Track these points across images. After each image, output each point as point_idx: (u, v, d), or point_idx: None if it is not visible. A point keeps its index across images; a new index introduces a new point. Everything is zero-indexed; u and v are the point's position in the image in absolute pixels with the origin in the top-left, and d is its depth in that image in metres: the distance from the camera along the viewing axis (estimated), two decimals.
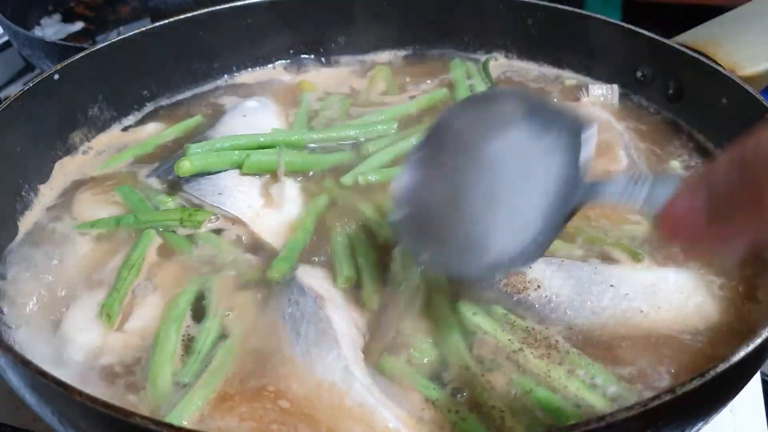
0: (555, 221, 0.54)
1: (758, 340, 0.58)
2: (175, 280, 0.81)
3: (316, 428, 0.63)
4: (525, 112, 0.55)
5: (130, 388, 0.69)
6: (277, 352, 0.69)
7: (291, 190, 0.92)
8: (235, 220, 0.87)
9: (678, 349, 0.71)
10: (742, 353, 0.57)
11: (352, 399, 0.64)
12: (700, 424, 0.61)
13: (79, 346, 0.73)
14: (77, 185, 0.97)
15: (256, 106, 1.09)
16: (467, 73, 1.19)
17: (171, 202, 0.91)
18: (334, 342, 0.69)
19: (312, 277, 0.78)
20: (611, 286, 0.75)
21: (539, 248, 0.57)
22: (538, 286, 0.74)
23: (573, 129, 0.54)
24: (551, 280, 0.75)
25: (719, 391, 0.60)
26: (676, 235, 0.48)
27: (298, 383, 0.66)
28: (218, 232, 0.87)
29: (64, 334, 0.74)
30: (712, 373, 0.54)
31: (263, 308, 0.76)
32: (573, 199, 0.52)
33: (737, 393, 0.65)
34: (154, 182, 0.96)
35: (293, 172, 0.95)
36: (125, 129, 1.10)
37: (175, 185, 0.94)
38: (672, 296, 0.75)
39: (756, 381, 0.85)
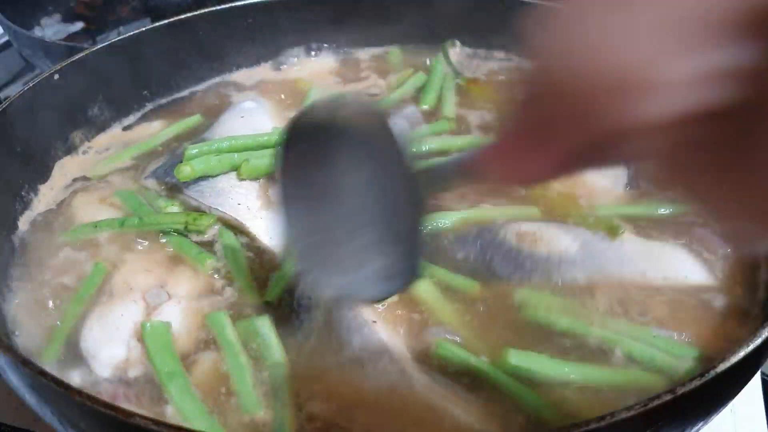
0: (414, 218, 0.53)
1: (758, 340, 0.58)
2: (189, 287, 0.80)
3: None
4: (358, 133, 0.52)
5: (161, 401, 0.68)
6: (327, 367, 0.69)
7: None
8: (234, 223, 0.87)
9: (683, 308, 0.74)
10: (742, 353, 0.57)
11: (416, 400, 0.64)
12: (700, 424, 0.61)
13: (103, 363, 0.71)
14: (76, 186, 0.97)
15: (253, 107, 1.08)
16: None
17: (171, 206, 0.90)
18: (383, 347, 0.68)
19: None
20: (615, 248, 0.79)
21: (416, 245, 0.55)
22: (547, 243, 0.78)
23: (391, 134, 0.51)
24: (559, 239, 0.79)
25: (719, 391, 0.60)
26: (494, 175, 0.41)
27: (355, 393, 0.65)
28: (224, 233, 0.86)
29: (85, 350, 0.73)
30: (712, 373, 0.54)
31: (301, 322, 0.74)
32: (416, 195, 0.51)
33: (737, 393, 0.65)
34: (152, 184, 0.95)
35: None
36: (125, 129, 1.10)
37: (173, 187, 0.93)
38: (668, 259, 0.79)
39: (756, 381, 0.85)
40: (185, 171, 0.89)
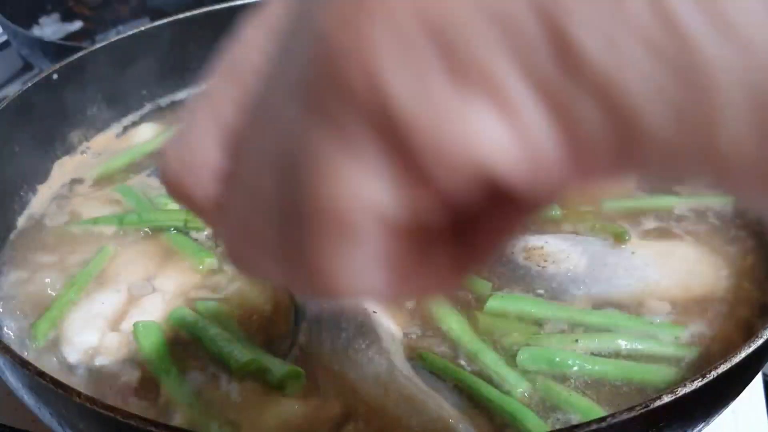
0: None
1: (760, 341, 0.58)
2: (177, 282, 0.80)
3: (366, 422, 0.64)
4: None
5: (127, 390, 0.69)
6: (322, 350, 0.70)
7: None
8: None
9: (691, 311, 0.74)
10: (743, 353, 0.56)
11: (395, 390, 0.65)
12: (701, 425, 0.61)
13: (74, 348, 0.72)
14: (76, 186, 0.97)
15: None
16: None
17: (172, 204, 0.90)
18: (375, 335, 0.70)
19: None
20: (624, 257, 0.79)
21: None
22: (555, 260, 0.78)
23: None
24: (568, 254, 0.78)
25: (721, 391, 0.60)
26: None
27: (344, 379, 0.67)
28: None
29: (62, 335, 0.74)
30: (714, 373, 0.54)
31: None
32: None
33: (739, 394, 0.65)
34: (154, 182, 0.95)
35: None
36: (125, 129, 1.09)
37: None
38: (681, 266, 0.79)
39: (758, 381, 0.85)
40: None
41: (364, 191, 0.23)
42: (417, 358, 0.70)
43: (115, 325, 0.75)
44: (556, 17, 0.19)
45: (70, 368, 0.71)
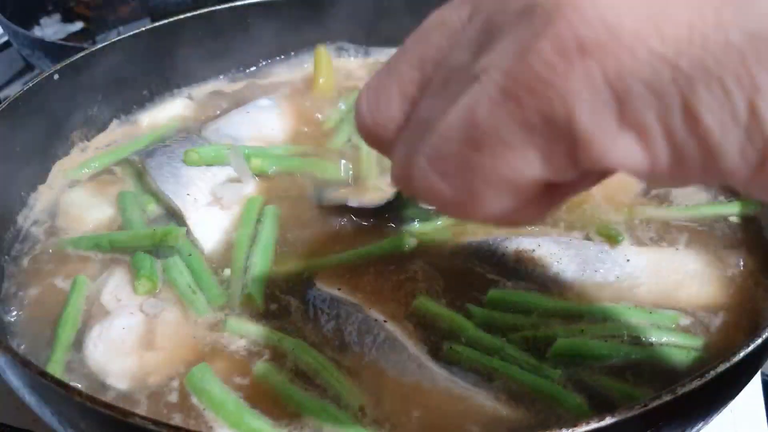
0: None
1: (758, 340, 0.58)
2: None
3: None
4: None
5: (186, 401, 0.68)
6: (349, 366, 0.69)
7: (245, 190, 0.92)
8: (177, 212, 0.87)
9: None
10: (742, 353, 0.57)
11: (440, 392, 0.65)
12: (700, 424, 0.61)
13: (118, 375, 0.71)
14: (72, 184, 0.97)
15: (266, 105, 1.08)
16: None
17: (150, 205, 0.91)
18: (399, 345, 0.69)
19: (332, 288, 0.77)
20: (617, 264, 0.78)
21: None
22: (545, 264, 0.77)
23: None
24: (559, 258, 0.78)
25: (720, 391, 0.60)
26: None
27: (385, 392, 0.67)
28: None
29: (95, 368, 0.72)
30: (712, 373, 0.54)
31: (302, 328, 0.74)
32: None
33: (738, 393, 0.65)
34: (134, 161, 0.97)
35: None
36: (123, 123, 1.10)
37: (145, 167, 0.94)
38: (675, 276, 0.77)
39: (756, 381, 0.85)
40: (193, 157, 0.92)
41: (527, 166, 0.37)
42: (440, 354, 0.69)
43: (148, 345, 0.73)
44: (687, 94, 0.33)
45: (124, 395, 0.69)
